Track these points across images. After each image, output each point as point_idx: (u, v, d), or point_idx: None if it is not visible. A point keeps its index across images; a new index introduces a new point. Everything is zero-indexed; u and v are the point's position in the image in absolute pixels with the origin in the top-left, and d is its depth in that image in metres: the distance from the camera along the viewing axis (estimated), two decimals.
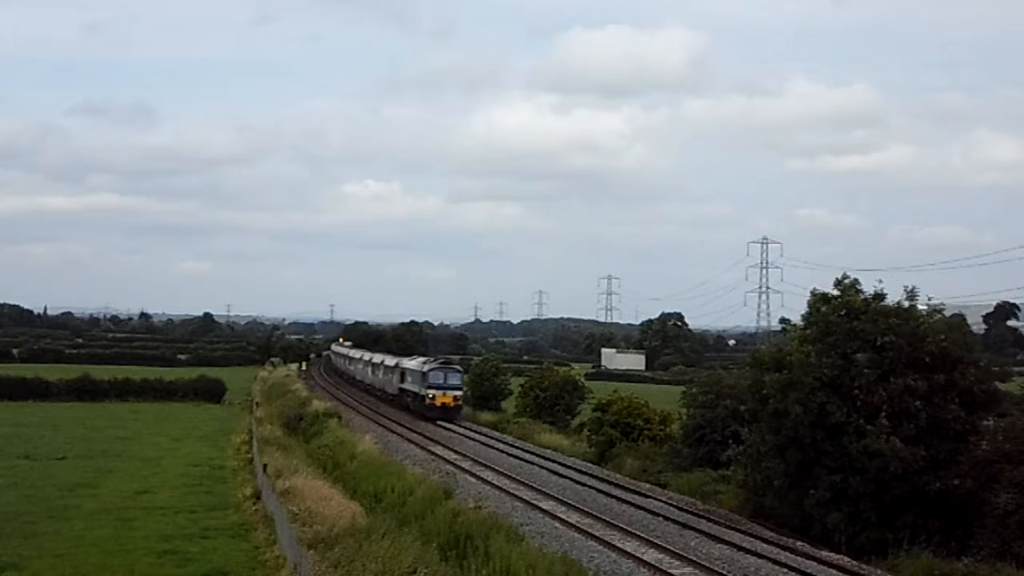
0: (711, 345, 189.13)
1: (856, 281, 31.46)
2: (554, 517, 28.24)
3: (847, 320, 30.16)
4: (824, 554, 25.86)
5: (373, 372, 78.02)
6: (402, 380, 64.29)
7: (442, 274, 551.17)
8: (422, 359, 65.11)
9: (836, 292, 31.48)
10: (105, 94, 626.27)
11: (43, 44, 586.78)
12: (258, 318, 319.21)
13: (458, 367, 62.59)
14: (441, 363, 61.41)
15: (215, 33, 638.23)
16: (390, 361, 71.94)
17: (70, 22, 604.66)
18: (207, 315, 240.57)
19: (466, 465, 38.43)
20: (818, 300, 31.71)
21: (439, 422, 54.88)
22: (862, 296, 30.96)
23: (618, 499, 32.42)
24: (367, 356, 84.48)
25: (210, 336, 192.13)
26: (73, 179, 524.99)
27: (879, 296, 30.97)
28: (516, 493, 32.14)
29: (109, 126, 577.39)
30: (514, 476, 35.83)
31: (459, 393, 58.52)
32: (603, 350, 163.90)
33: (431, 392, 57.07)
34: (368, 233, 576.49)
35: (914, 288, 30.94)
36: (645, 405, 47.39)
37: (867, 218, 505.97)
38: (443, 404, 56.92)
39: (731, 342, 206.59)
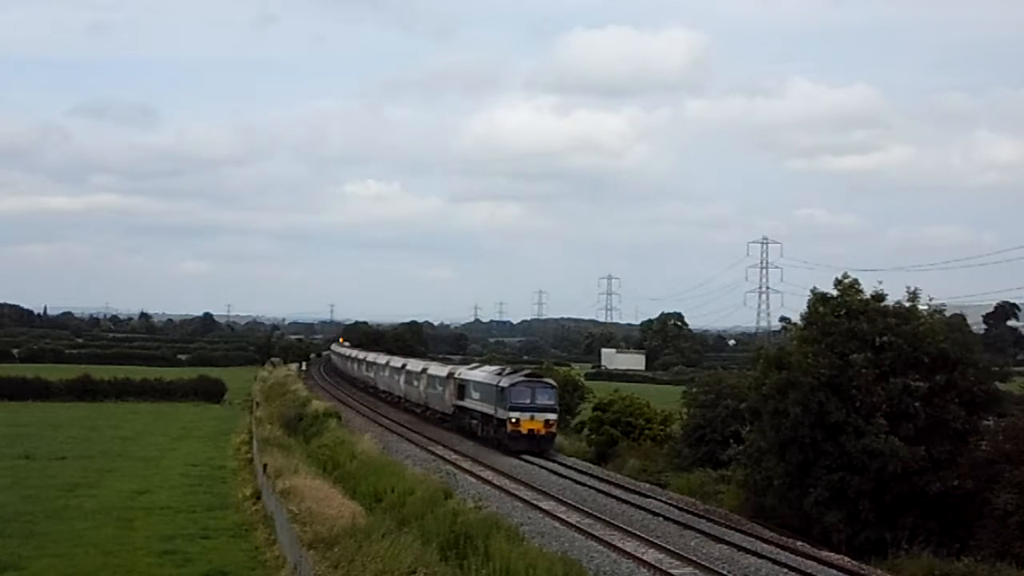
0: (711, 345, 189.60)
1: (856, 281, 31.53)
2: (554, 517, 28.23)
3: (845, 320, 30.19)
4: (824, 554, 25.85)
5: (408, 382, 62.91)
6: (461, 396, 50.53)
7: (442, 274, 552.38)
8: (494, 368, 51.24)
9: (836, 292, 31.52)
10: (106, 94, 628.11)
11: (44, 44, 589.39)
12: (258, 318, 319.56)
13: (551, 381, 46.74)
14: (526, 375, 46.48)
15: (216, 33, 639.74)
16: (438, 370, 56.94)
17: (71, 22, 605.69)
18: (207, 315, 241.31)
19: (466, 465, 38.43)
20: (817, 300, 31.76)
21: (524, 456, 41.47)
22: (861, 296, 31.00)
23: (618, 499, 32.40)
24: (397, 362, 69.13)
25: (210, 336, 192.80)
26: (74, 179, 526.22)
27: (878, 296, 31.00)
28: (516, 493, 32.14)
29: (110, 126, 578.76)
30: (514, 476, 35.83)
31: (553, 416, 43.78)
32: (603, 350, 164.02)
33: (514, 415, 42.83)
34: (368, 233, 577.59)
35: (916, 289, 31.05)
36: (646, 405, 47.46)
37: (867, 218, 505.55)
38: (531, 431, 42.82)
39: (731, 342, 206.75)
